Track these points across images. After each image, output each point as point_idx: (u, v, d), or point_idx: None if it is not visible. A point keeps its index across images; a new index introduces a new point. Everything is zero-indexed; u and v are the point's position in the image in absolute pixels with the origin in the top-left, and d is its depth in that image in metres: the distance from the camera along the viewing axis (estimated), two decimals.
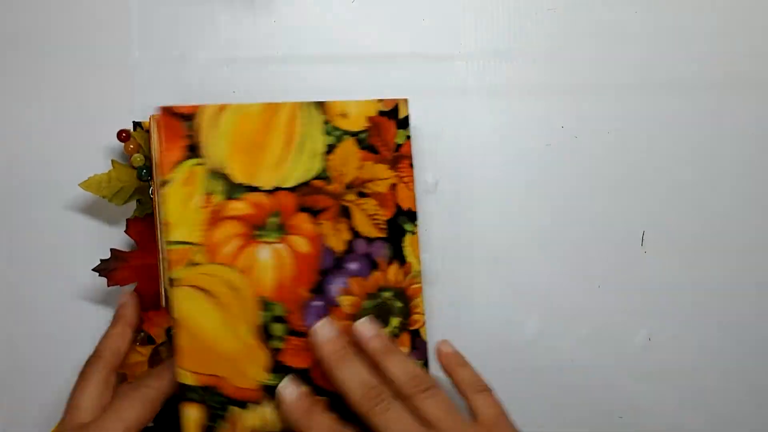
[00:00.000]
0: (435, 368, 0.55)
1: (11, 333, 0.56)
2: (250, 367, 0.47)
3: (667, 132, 0.55)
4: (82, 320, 0.55)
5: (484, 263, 0.56)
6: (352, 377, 0.45)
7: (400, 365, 0.46)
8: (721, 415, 0.56)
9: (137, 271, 0.52)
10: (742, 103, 0.55)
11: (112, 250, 0.53)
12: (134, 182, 0.53)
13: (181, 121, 0.47)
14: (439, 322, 0.56)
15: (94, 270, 0.52)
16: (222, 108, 0.48)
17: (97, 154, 0.55)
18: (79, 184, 0.53)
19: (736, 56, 0.55)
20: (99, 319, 0.55)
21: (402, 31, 0.56)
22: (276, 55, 0.56)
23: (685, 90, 0.55)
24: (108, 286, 0.52)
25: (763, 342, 0.56)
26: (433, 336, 0.56)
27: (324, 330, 0.47)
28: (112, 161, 0.53)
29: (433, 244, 0.56)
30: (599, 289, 0.56)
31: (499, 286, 0.56)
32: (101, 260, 0.52)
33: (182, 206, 0.47)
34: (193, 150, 0.47)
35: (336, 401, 0.48)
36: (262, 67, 0.56)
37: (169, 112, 0.47)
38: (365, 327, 0.48)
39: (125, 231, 0.53)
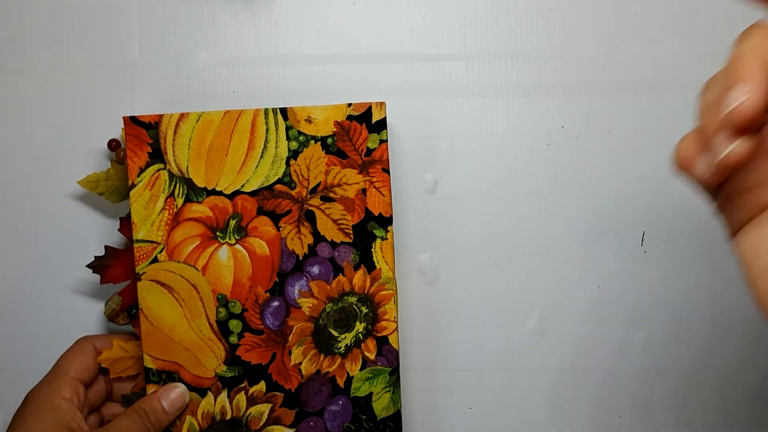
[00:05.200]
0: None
1: (6, 328, 0.56)
2: (207, 359, 0.51)
3: (668, 132, 0.55)
4: (77, 315, 0.55)
5: (484, 263, 0.55)
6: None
7: None
8: (720, 414, 0.56)
9: (130, 269, 0.52)
10: None
11: (106, 247, 0.52)
12: None
13: (145, 129, 0.51)
14: (440, 322, 0.55)
15: (88, 266, 0.52)
16: (184, 116, 0.51)
17: (96, 153, 0.56)
18: (77, 182, 0.53)
19: None
20: (94, 314, 0.56)
21: (402, 31, 0.56)
22: (276, 55, 0.56)
23: (686, 90, 0.55)
24: (101, 283, 0.52)
25: (764, 341, 0.55)
26: (432, 336, 0.55)
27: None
28: (111, 160, 0.53)
29: (433, 244, 0.55)
30: (599, 289, 0.55)
31: (499, 286, 0.55)
32: (95, 257, 0.52)
33: (146, 208, 0.51)
34: (157, 156, 0.51)
35: (292, 400, 0.51)
36: (261, 67, 0.56)
37: (133, 120, 0.51)
38: None
39: (119, 229, 0.53)
